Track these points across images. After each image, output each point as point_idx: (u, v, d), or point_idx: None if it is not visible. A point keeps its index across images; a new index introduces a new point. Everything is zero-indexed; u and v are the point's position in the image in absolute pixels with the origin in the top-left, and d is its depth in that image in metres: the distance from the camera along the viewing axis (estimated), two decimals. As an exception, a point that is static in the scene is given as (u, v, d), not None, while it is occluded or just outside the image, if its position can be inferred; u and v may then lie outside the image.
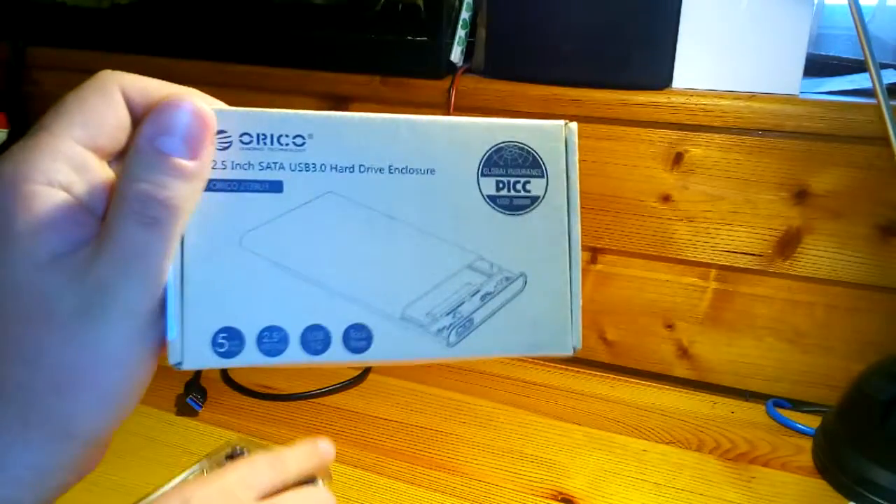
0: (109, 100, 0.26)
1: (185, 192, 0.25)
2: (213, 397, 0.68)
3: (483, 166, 0.28)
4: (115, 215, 0.24)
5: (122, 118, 0.26)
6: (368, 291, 0.27)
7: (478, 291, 0.28)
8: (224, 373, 0.71)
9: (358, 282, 0.27)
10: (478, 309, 0.28)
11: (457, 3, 0.76)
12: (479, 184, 0.28)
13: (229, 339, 0.26)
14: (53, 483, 0.25)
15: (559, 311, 0.29)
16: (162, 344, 0.26)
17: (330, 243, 0.27)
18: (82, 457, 0.26)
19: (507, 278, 0.29)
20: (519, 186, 0.29)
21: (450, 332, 0.28)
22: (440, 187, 0.28)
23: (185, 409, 0.65)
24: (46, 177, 0.24)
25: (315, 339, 0.27)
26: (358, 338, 0.27)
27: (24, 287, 0.24)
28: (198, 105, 0.25)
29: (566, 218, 0.29)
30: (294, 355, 0.27)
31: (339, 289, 0.27)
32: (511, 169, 0.29)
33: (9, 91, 0.93)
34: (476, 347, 0.28)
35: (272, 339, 0.27)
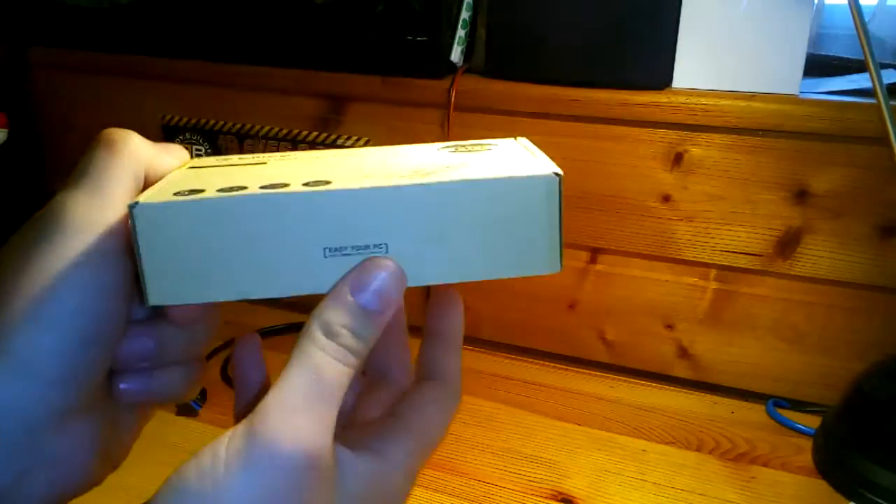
0: (119, 172, 0.27)
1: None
2: (213, 397, 0.68)
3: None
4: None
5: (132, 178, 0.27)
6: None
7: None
8: (224, 373, 0.71)
9: None
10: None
11: (457, 3, 0.76)
12: None
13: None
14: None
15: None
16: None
17: None
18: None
19: None
20: None
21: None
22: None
23: (185, 409, 0.65)
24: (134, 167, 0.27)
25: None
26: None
27: None
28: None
29: None
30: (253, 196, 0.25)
31: None
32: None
33: (9, 91, 0.93)
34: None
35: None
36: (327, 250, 0.26)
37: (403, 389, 0.31)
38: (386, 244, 0.26)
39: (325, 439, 0.23)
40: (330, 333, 0.24)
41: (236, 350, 0.31)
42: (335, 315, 0.25)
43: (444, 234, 0.26)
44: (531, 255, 0.27)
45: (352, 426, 0.29)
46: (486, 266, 0.27)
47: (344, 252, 0.26)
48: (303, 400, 0.23)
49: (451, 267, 0.27)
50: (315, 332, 0.25)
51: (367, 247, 0.26)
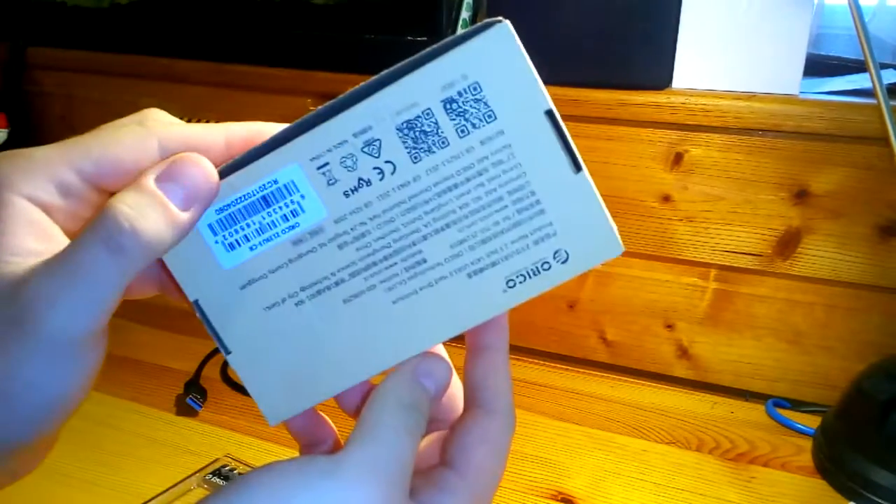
0: (140, 146, 0.26)
1: (163, 237, 0.24)
2: (212, 397, 0.68)
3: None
4: (82, 234, 0.23)
5: (144, 164, 0.26)
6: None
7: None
8: (224, 372, 0.71)
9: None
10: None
11: (457, 3, 0.76)
12: None
13: None
14: None
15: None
16: (96, 369, 0.25)
17: None
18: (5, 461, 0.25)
19: None
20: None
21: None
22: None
23: (185, 409, 0.65)
24: (28, 191, 0.24)
25: None
26: None
27: None
28: (208, 169, 0.26)
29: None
30: None
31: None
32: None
33: (9, 91, 0.93)
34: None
35: None
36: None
37: (451, 422, 0.31)
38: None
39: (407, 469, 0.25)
40: (408, 408, 0.26)
41: None
42: (411, 393, 0.27)
43: None
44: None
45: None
46: None
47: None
48: (394, 429, 0.25)
49: None
50: (400, 412, 0.26)
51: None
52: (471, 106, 0.25)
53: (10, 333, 0.23)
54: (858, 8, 0.54)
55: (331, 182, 0.26)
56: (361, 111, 0.25)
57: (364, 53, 0.77)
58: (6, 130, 0.93)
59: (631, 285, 0.74)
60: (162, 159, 0.26)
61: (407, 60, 0.25)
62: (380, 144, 0.25)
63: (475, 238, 0.27)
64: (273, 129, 0.27)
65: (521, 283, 0.27)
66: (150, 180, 0.25)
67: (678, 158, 0.68)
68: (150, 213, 0.24)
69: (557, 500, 0.56)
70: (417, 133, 0.25)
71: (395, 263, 0.27)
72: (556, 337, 0.78)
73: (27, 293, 0.23)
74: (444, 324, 0.28)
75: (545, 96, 0.26)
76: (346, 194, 0.26)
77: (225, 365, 0.72)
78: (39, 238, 0.24)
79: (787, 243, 0.67)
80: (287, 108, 0.82)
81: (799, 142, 0.65)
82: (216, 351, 0.73)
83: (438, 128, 0.25)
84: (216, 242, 0.27)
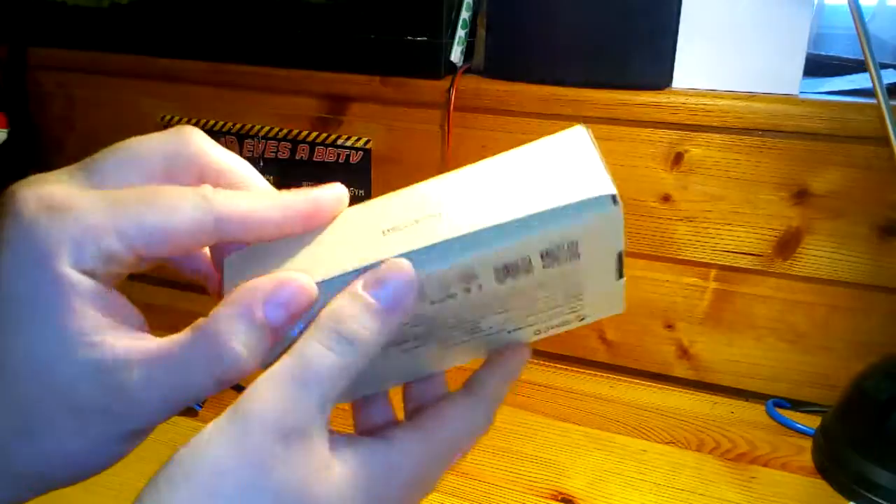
0: (199, 225, 0.25)
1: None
2: (213, 398, 0.67)
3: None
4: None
5: (201, 241, 0.26)
6: None
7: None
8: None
9: None
10: None
11: (457, 3, 0.76)
12: None
13: None
14: None
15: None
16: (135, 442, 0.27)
17: None
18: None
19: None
20: None
21: None
22: None
23: (185, 409, 0.65)
24: (75, 260, 0.23)
25: None
26: None
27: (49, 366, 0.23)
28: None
29: None
30: None
31: None
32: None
33: (9, 91, 0.93)
34: None
35: None
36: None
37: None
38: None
39: (298, 419, 0.23)
40: (332, 320, 0.24)
41: None
42: (341, 303, 0.25)
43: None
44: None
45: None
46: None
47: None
48: (282, 383, 0.24)
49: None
50: (318, 319, 0.25)
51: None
52: (564, 253, 0.27)
53: (97, 417, 0.24)
54: (858, 8, 0.54)
55: (422, 298, 0.27)
56: (468, 261, 0.26)
57: (364, 53, 0.77)
58: (6, 130, 0.93)
59: (631, 285, 0.73)
60: (216, 231, 0.25)
61: (512, 196, 0.26)
62: (477, 276, 0.26)
63: (523, 312, 0.30)
64: (329, 196, 0.27)
65: (545, 332, 0.33)
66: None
67: (678, 158, 0.68)
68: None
69: (557, 500, 0.56)
70: (511, 268, 0.27)
71: (455, 333, 0.29)
72: (556, 337, 0.77)
73: (123, 383, 0.24)
74: (473, 354, 0.33)
75: (622, 240, 0.28)
76: (432, 303, 0.27)
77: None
78: (103, 310, 0.24)
79: (787, 243, 0.67)
80: (287, 108, 0.82)
81: (799, 142, 0.65)
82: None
83: (530, 265, 0.26)
84: None
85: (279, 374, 0.24)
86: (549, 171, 0.27)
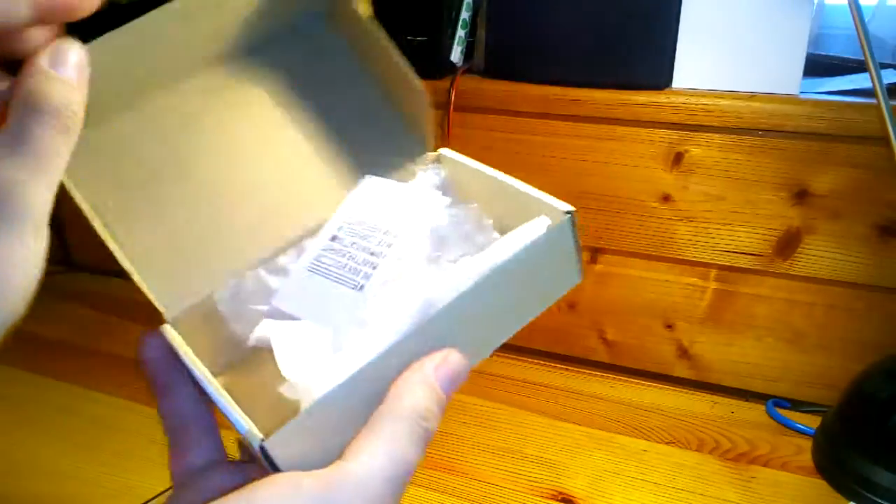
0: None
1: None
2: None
3: None
4: (31, 122, 0.26)
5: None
6: None
7: None
8: (224, 373, 0.71)
9: None
10: None
11: (457, 3, 0.76)
12: None
13: None
14: None
15: None
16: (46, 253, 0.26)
17: None
18: None
19: None
20: None
21: None
22: None
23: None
24: None
25: None
26: None
27: None
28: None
29: None
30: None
31: None
32: None
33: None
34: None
35: None
36: None
37: None
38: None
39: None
40: (421, 417, 0.27)
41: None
42: (422, 395, 0.27)
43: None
44: (562, 280, 0.32)
45: None
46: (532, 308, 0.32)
47: None
48: (380, 474, 0.26)
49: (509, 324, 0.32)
50: (403, 409, 0.27)
51: None
52: None
53: None
54: (858, 8, 0.54)
55: None
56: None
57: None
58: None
59: (631, 285, 0.74)
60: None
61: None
62: None
63: None
64: None
65: None
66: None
67: (678, 158, 0.68)
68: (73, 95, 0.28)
69: (557, 500, 0.56)
70: None
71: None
72: (556, 337, 0.78)
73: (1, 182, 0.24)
74: None
75: None
76: None
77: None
78: None
79: (788, 243, 0.67)
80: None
81: (799, 142, 0.65)
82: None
83: None
84: None
85: (379, 468, 0.26)
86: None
